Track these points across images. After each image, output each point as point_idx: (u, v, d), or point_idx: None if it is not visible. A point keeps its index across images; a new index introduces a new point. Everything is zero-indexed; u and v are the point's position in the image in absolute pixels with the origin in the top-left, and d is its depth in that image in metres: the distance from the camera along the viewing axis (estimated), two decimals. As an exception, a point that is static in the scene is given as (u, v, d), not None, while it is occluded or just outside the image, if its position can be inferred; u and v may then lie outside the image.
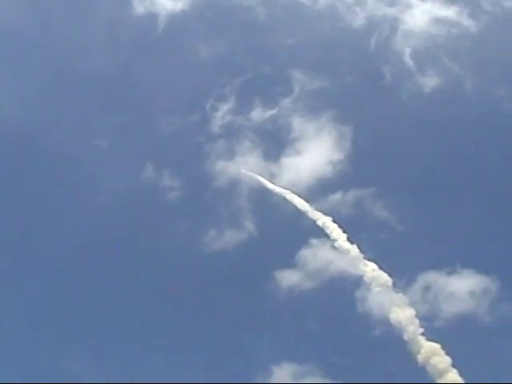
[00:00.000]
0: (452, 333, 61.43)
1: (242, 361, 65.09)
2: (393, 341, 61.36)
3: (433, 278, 66.61)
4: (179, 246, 72.72)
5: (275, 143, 79.17)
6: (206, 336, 66.60)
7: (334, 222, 68.16)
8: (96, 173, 77.77)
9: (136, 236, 73.73)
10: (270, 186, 73.14)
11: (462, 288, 65.96)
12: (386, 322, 62.26)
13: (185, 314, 68.40)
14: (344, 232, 67.13)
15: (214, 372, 64.03)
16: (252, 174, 74.71)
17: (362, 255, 65.16)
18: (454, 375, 57.18)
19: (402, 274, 64.95)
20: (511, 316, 63.81)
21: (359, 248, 65.71)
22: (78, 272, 70.96)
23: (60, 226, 74.04)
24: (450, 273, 66.84)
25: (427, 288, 66.10)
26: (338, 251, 66.92)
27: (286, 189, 72.26)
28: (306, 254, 69.38)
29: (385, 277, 63.10)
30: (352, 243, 66.12)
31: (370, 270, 63.90)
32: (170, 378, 62.55)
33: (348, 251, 65.96)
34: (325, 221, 68.42)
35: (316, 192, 73.15)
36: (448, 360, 57.92)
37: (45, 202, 75.49)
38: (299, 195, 71.24)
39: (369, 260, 64.74)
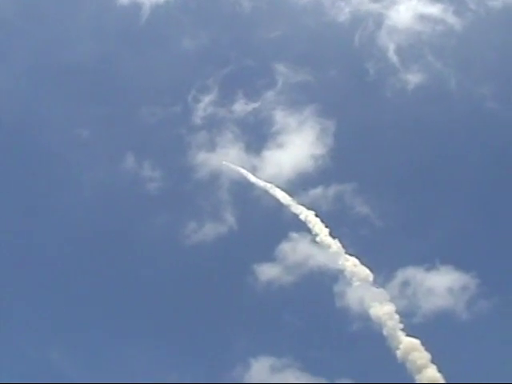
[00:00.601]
0: (430, 329, 61.76)
1: (220, 353, 65.43)
2: (372, 336, 61.52)
3: (412, 273, 67.11)
4: (159, 237, 73.16)
5: (257, 136, 79.51)
6: (185, 328, 67.25)
7: (317, 216, 68.22)
8: (76, 163, 77.97)
9: (116, 227, 73.85)
10: (252, 179, 73.18)
11: (440, 284, 66.54)
12: (365, 317, 62.55)
13: (163, 306, 68.49)
14: (326, 227, 67.15)
15: (192, 364, 64.65)
16: (234, 167, 74.78)
17: (343, 250, 65.22)
18: (432, 371, 57.37)
19: (382, 269, 65.13)
20: (489, 313, 64.68)
21: (340, 243, 65.81)
22: (55, 264, 71.10)
23: (39, 217, 74.15)
24: (429, 269, 67.36)
25: (406, 284, 66.62)
26: (319, 246, 67.03)
27: (268, 182, 72.42)
28: (285, 247, 69.92)
29: (366, 272, 63.18)
30: (334, 238, 66.14)
31: (351, 264, 63.99)
32: (147, 371, 63.39)
33: (329, 246, 65.92)
34: (307, 215, 68.49)
35: (297, 186, 73.45)
36: (427, 356, 58.08)
37: (25, 192, 75.27)
38: (282, 189, 71.39)
39: (350, 255, 64.87)
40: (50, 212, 74.36)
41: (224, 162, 75.74)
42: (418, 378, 57.00)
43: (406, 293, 65.95)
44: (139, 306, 68.26)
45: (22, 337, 66.09)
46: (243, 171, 73.79)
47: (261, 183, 72.32)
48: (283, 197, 70.55)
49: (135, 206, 75.77)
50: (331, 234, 66.40)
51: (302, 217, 68.60)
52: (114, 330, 67.38)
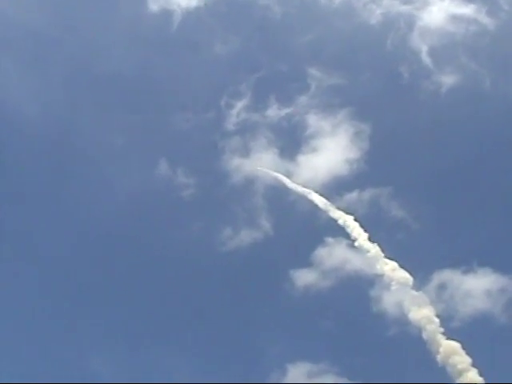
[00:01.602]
0: (468, 332, 61.98)
1: (256, 359, 66.56)
2: (410, 340, 62.29)
3: (449, 276, 67.44)
4: (194, 244, 73.92)
5: (291, 141, 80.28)
6: (222, 335, 68.04)
7: (356, 220, 68.91)
8: (111, 170, 79.15)
9: (150, 234, 74.99)
10: (290, 184, 73.91)
11: (478, 287, 66.74)
12: (403, 321, 63.13)
13: (200, 312, 69.58)
14: (365, 231, 67.73)
15: (228, 370, 65.50)
16: (272, 173, 75.54)
17: (382, 254, 65.65)
18: (473, 375, 57.42)
19: (418, 272, 65.17)
20: None
21: (379, 247, 66.34)
22: (92, 270, 72.29)
23: (75, 224, 75.27)
24: (467, 271, 67.76)
25: (443, 287, 66.96)
26: (356, 250, 67.81)
27: (304, 187, 73.17)
28: (321, 252, 70.65)
29: (405, 275, 63.57)
30: (373, 242, 66.64)
31: (390, 268, 64.40)
32: (185, 376, 64.22)
33: (368, 250, 66.46)
34: (346, 219, 69.18)
35: (332, 190, 74.14)
36: (468, 359, 58.15)
37: (60, 199, 76.82)
38: (320, 194, 72.11)
39: (390, 259, 65.26)
40: (85, 219, 75.49)
41: (259, 168, 76.61)
42: (459, 382, 57.20)
43: (443, 296, 66.32)
44: (176, 312, 69.59)
45: (52, 338, 67.95)
46: (281, 177, 74.55)
47: (299, 189, 73.07)
48: (321, 202, 71.31)
49: (170, 212, 76.68)
50: (370, 239, 66.99)
51: (340, 221, 69.33)
52: (146, 335, 68.41)
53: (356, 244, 67.50)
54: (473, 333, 62.02)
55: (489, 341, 62.38)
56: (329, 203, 71.09)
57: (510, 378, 58.61)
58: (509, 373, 59.61)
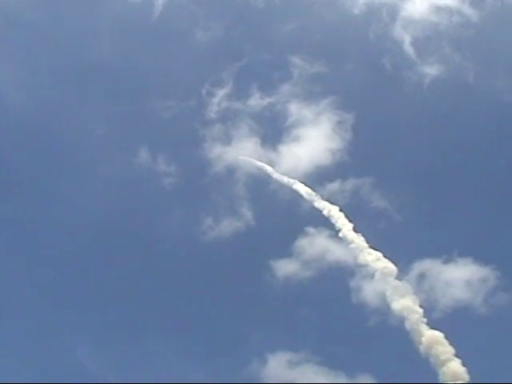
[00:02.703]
0: (449, 322, 62.99)
1: (237, 349, 67.34)
2: (392, 330, 63.26)
3: (429, 266, 68.38)
4: (175, 234, 74.82)
5: (273, 130, 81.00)
6: (202, 324, 68.76)
7: (341, 210, 69.69)
8: (91, 158, 79.61)
9: (130, 223, 75.63)
10: (274, 174, 74.73)
11: (458, 277, 67.84)
12: (385, 311, 64.06)
13: (180, 302, 70.30)
14: (350, 221, 68.49)
15: (209, 359, 66.48)
16: (255, 162, 76.31)
17: (366, 245, 66.38)
18: (456, 365, 58.20)
19: (399, 262, 65.81)
20: (509, 306, 65.99)
21: (364, 237, 67.19)
22: (70, 259, 72.87)
23: (54, 212, 75.89)
24: (447, 261, 68.78)
25: (423, 276, 67.84)
26: (338, 240, 68.78)
27: (286, 176, 74.03)
28: (302, 243, 71.45)
29: (389, 265, 64.28)
30: (357, 232, 67.44)
31: (375, 259, 65.09)
32: (164, 363, 65.59)
33: (352, 241, 67.17)
34: (330, 210, 70.00)
35: (314, 180, 74.87)
36: (450, 350, 58.84)
37: (40, 187, 77.30)
38: (306, 184, 72.89)
39: (374, 249, 65.94)
40: (65, 207, 75.98)
41: (241, 157, 77.43)
42: (442, 372, 57.93)
43: (423, 286, 67.27)
44: (155, 302, 69.98)
45: (42, 333, 68.35)
46: (266, 166, 75.33)
47: (283, 179, 73.87)
48: (306, 192, 72.09)
49: (150, 201, 77.28)
50: (355, 229, 67.80)
51: (325, 212, 70.07)
52: (128, 326, 69.01)
53: (340, 234, 68.19)
54: (453, 323, 62.91)
55: (469, 331, 63.36)
56: (314, 193, 71.80)
57: (492, 367, 60.24)
58: (490, 363, 61.01)
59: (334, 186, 74.87)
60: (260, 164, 75.84)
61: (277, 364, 65.15)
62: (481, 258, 67.77)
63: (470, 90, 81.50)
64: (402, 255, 66.63)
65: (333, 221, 69.20)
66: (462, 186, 74.90)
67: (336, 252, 70.02)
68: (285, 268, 70.46)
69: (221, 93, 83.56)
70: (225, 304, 70.07)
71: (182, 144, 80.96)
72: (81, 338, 67.55)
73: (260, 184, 76.34)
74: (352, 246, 66.99)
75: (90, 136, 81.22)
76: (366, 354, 65.05)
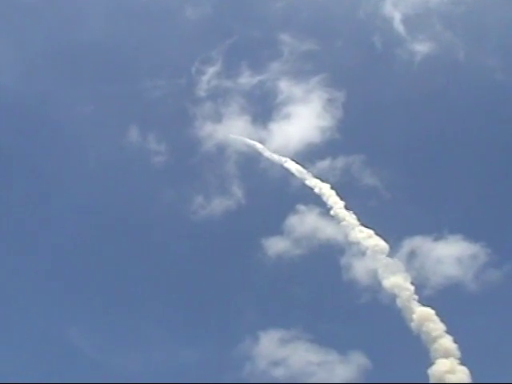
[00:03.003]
0: (439, 299, 63.10)
1: (229, 327, 67.96)
2: (383, 307, 63.31)
3: (420, 243, 68.82)
4: (165, 213, 75.52)
5: (263, 107, 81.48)
6: (194, 303, 69.82)
7: (332, 188, 69.68)
8: (82, 137, 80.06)
9: (121, 202, 76.49)
10: (266, 152, 74.68)
11: (449, 254, 68.29)
12: (376, 288, 64.26)
13: (172, 282, 71.11)
14: (341, 199, 68.45)
15: (201, 338, 67.12)
16: (247, 140, 76.27)
17: (357, 222, 66.29)
18: (447, 341, 58.13)
19: (390, 239, 65.35)
20: (500, 282, 66.67)
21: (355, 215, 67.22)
22: (60, 240, 73.73)
23: (44, 192, 76.43)
24: (438, 238, 69.15)
25: (414, 253, 68.33)
26: (329, 218, 68.72)
27: (278, 154, 74.16)
28: (293, 220, 71.88)
29: (381, 243, 64.13)
30: (349, 210, 67.43)
31: (366, 236, 65.00)
32: (157, 341, 66.72)
33: (343, 218, 66.98)
34: (322, 187, 70.03)
35: (305, 158, 74.99)
36: (442, 326, 58.70)
37: (30, 167, 77.75)
38: (297, 162, 72.91)
39: (366, 227, 65.88)
40: (55, 187, 76.89)
41: (231, 136, 77.55)
42: (433, 349, 57.75)
43: (414, 263, 67.65)
44: (146, 282, 70.92)
45: (39, 316, 68.54)
46: (257, 144, 75.29)
47: (275, 157, 73.92)
48: (298, 170, 72.14)
49: (140, 180, 78.05)
50: (346, 207, 67.72)
51: (316, 190, 70.08)
52: (120, 307, 70.01)
53: (332, 212, 68.14)
54: (443, 300, 63.13)
55: (460, 308, 64.16)
56: (305, 171, 71.87)
57: (483, 344, 61.10)
58: (481, 340, 61.68)
59: (325, 163, 75.46)
60: (251, 142, 75.87)
61: (268, 341, 65.83)
62: (471, 234, 68.40)
63: (460, 68, 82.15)
64: (392, 233, 66.45)
65: (324, 199, 69.27)
66: (452, 164, 75.72)
67: (327, 230, 70.52)
68: (276, 246, 71.00)
69: (211, 71, 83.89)
70: (216, 282, 70.51)
71: (172, 122, 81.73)
72: (72, 320, 68.12)
73: (250, 162, 77.14)
74: (343, 223, 66.90)
75: (79, 115, 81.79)
76: (358, 331, 65.70)
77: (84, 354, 65.20)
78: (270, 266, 70.42)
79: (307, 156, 75.30)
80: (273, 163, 74.24)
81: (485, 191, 72.78)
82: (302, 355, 64.44)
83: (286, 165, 73.13)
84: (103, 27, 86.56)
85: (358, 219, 66.60)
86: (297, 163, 72.79)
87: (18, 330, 67.62)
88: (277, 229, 71.66)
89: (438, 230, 69.21)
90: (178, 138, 79.80)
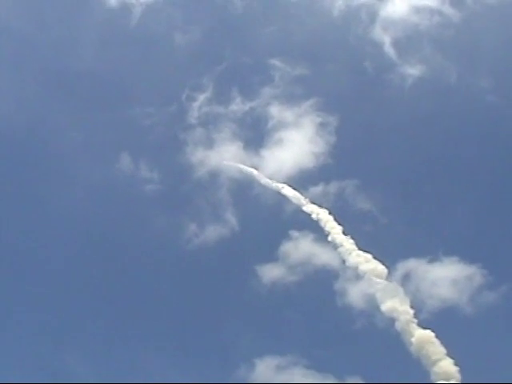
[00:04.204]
0: (435, 322, 63.99)
1: (224, 355, 68.72)
2: (382, 331, 64.76)
3: (415, 265, 69.69)
4: (159, 242, 76.19)
5: (255, 133, 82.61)
6: (189, 332, 70.67)
7: (330, 213, 70.98)
8: (73, 165, 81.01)
9: (113, 231, 76.95)
10: (263, 180, 75.81)
11: (444, 276, 69.31)
12: (376, 312, 65.04)
13: (166, 310, 71.61)
14: (339, 224, 69.67)
15: (197, 366, 67.65)
16: (243, 167, 77.55)
17: (355, 247, 67.44)
18: (448, 364, 59.11)
19: (386, 262, 66.38)
20: (496, 304, 67.53)
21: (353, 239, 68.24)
22: (50, 268, 74.21)
23: (36, 220, 77.19)
24: (432, 261, 70.13)
25: (408, 276, 69.13)
26: (328, 243, 69.62)
27: (274, 180, 75.38)
28: (287, 247, 72.94)
29: (379, 267, 65.43)
30: (346, 235, 68.63)
31: (363, 260, 66.17)
32: (152, 370, 66.87)
33: (341, 244, 68.16)
34: (318, 213, 71.32)
35: (298, 183, 75.79)
36: (442, 350, 59.71)
37: (21, 194, 78.31)
38: (294, 188, 74.25)
39: (365, 251, 66.91)
40: (46, 214, 77.41)
41: (225, 162, 78.77)
42: (434, 372, 58.86)
43: (408, 286, 68.06)
44: (140, 311, 71.61)
45: (29, 338, 69.67)
46: (254, 172, 76.58)
47: (272, 184, 75.10)
48: (294, 196, 73.55)
49: (132, 208, 78.61)
50: (344, 232, 68.96)
51: (314, 216, 71.35)
52: (114, 335, 70.56)
53: (329, 238, 69.27)
54: (439, 322, 63.88)
55: (456, 330, 64.39)
56: (303, 197, 73.15)
57: (482, 366, 61.63)
58: (480, 362, 62.12)
59: (318, 189, 76.39)
60: (248, 169, 77.12)
61: (265, 368, 66.61)
62: (466, 256, 69.48)
63: (452, 91, 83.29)
64: (386, 256, 67.31)
65: (322, 224, 70.45)
66: (446, 186, 76.71)
67: (321, 255, 71.57)
68: (271, 273, 71.97)
69: (201, 97, 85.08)
70: (211, 310, 71.36)
71: (164, 150, 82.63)
72: (69, 346, 68.82)
73: (243, 189, 78.04)
74: (341, 249, 68.06)
75: (71, 143, 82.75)
76: (356, 356, 66.40)
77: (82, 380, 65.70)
78: (265, 293, 71.51)
79: (300, 181, 76.37)
80: (266, 189, 75.56)
81: (479, 212, 74.00)
82: (299, 381, 65.11)
83: (283, 191, 74.31)
84: (93, 55, 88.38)
85: (356, 244, 67.69)
86: (294, 189, 73.91)
87: (13, 356, 68.44)
88: (271, 255, 72.75)
89: (432, 253, 70.18)
90: (169, 165, 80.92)
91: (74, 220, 77.24)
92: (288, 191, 74.13)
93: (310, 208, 72.19)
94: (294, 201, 73.44)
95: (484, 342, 65.12)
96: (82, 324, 70.73)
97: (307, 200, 72.99)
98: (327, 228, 69.91)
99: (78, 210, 77.83)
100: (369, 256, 66.49)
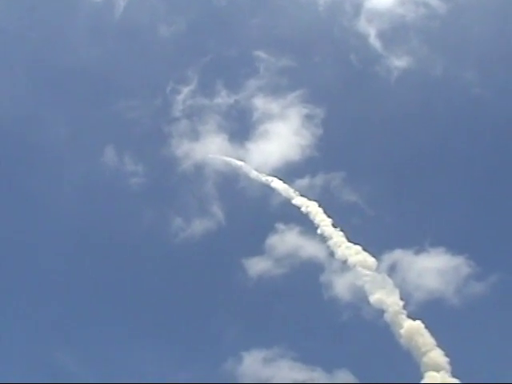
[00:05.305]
0: (422, 312, 64.29)
1: (212, 348, 69.68)
2: (372, 323, 65.20)
3: (401, 256, 70.50)
4: (145, 236, 77.25)
5: (241, 125, 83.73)
6: (176, 325, 71.74)
7: (320, 206, 71.51)
8: (57, 160, 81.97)
9: (98, 225, 77.76)
10: (253, 173, 76.42)
11: (431, 267, 70.19)
12: (365, 304, 65.26)
13: (153, 304, 72.62)
14: (328, 217, 70.20)
15: (184, 358, 68.88)
16: (235, 162, 77.88)
17: (345, 239, 68.02)
18: (437, 355, 59.78)
19: (374, 253, 66.93)
20: (483, 294, 68.60)
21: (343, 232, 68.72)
22: (36, 263, 74.93)
23: (21, 214, 77.72)
24: (419, 251, 71.07)
25: (394, 267, 69.94)
26: (315, 236, 70.51)
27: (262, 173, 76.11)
28: (273, 240, 73.87)
29: (368, 258, 65.91)
30: (336, 227, 69.19)
31: (354, 253, 66.66)
32: (140, 362, 68.03)
33: (330, 236, 68.64)
34: (308, 205, 71.97)
35: (284, 176, 76.40)
36: (431, 341, 60.24)
37: (6, 189, 79.43)
38: (284, 181, 74.88)
39: (355, 243, 67.37)
40: (32, 209, 78.07)
41: (210, 155, 79.50)
42: (424, 363, 59.33)
43: (395, 277, 67.97)
44: (126, 305, 72.91)
45: (26, 337, 70.59)
46: (243, 165, 77.16)
47: (261, 176, 75.77)
48: (284, 189, 74.13)
49: (117, 202, 79.62)
50: (333, 224, 69.54)
51: (303, 209, 71.94)
52: (103, 327, 71.42)
53: (319, 231, 69.73)
54: (426, 313, 63.99)
55: (443, 321, 64.57)
56: (292, 190, 73.80)
57: (470, 356, 62.95)
58: (467, 352, 63.31)
59: (304, 181, 77.27)
60: (238, 163, 77.68)
61: (252, 361, 67.56)
62: (453, 247, 70.37)
63: (438, 82, 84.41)
64: (373, 247, 67.76)
65: (311, 217, 71.06)
66: (432, 178, 77.98)
67: (308, 248, 72.49)
68: (257, 266, 72.84)
69: (186, 90, 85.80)
70: (198, 304, 72.39)
71: (149, 143, 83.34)
72: (60, 342, 69.70)
73: (229, 182, 79.03)
74: (331, 241, 68.58)
75: (55, 137, 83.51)
76: (343, 348, 67.66)
77: (74, 378, 66.37)
78: (252, 286, 72.53)
79: (286, 174, 77.06)
80: (252, 182, 76.43)
81: (465, 204, 74.98)
82: (286, 373, 66.10)
83: (272, 184, 75.06)
84: (77, 48, 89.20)
85: (346, 236, 68.35)
86: (284, 182, 74.67)
87: (9, 357, 69.46)
88: (257, 249, 73.60)
89: (419, 243, 71.15)
90: (154, 158, 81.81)
91: (60, 214, 78.19)
92: (277, 184, 74.74)
93: (299, 201, 72.85)
94: (284, 194, 74.02)
95: (471, 332, 66.13)
96: (67, 316, 71.89)
97: (297, 193, 73.60)
98: (317, 221, 70.43)
99: (63, 204, 78.69)
100: (359, 248, 66.98)
